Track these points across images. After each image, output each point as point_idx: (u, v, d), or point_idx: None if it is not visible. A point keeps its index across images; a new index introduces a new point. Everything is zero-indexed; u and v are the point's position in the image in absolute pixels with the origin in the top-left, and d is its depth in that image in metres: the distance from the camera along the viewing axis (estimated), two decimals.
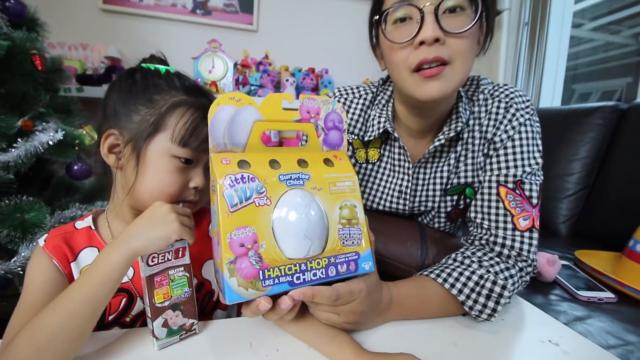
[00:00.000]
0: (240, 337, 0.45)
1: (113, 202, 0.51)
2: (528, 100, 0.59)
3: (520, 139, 0.57)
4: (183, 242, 0.42)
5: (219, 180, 0.35)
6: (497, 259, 0.53)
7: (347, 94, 0.69)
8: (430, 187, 0.65)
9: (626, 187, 1.13)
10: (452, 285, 0.50)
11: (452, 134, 0.59)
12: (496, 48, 1.93)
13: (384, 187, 0.68)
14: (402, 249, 0.62)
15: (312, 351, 0.43)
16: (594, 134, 1.29)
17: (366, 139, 0.66)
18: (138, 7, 1.87)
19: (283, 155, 0.40)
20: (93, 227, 0.49)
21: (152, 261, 0.40)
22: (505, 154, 0.58)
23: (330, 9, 2.14)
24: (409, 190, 0.65)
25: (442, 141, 0.59)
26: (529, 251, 0.54)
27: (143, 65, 0.50)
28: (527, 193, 0.56)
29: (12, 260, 0.76)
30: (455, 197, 0.65)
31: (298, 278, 0.36)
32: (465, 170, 0.62)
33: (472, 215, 0.59)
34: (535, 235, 0.55)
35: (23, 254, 0.76)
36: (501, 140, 0.58)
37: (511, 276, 0.52)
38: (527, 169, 0.56)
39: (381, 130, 0.63)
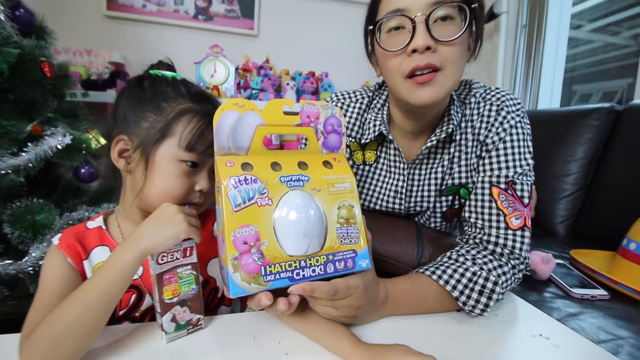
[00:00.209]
0: (244, 331, 0.47)
1: (122, 204, 0.53)
2: (519, 103, 0.62)
3: (512, 140, 0.59)
4: (190, 241, 0.45)
5: (223, 182, 0.37)
6: (491, 257, 0.55)
7: (345, 98, 0.71)
8: (425, 187, 0.67)
9: (622, 188, 1.15)
10: (447, 282, 0.52)
11: (443, 135, 0.61)
12: (494, 51, 1.95)
13: (381, 187, 0.70)
14: (399, 247, 0.64)
15: (312, 343, 0.45)
16: (591, 135, 1.31)
17: (363, 141, 0.68)
18: (141, 14, 1.90)
19: (284, 158, 0.42)
20: (104, 227, 0.51)
21: (162, 259, 0.42)
22: (497, 156, 0.60)
23: (329, 14, 2.17)
24: (404, 190, 0.67)
25: (434, 142, 0.62)
26: (521, 249, 0.56)
27: (151, 72, 0.53)
28: (518, 193, 0.58)
29: (23, 260, 0.79)
30: (450, 198, 0.67)
31: (298, 274, 0.38)
32: (459, 171, 0.65)
33: (467, 214, 0.61)
34: (527, 233, 0.57)
35: (34, 254, 0.79)
36: (493, 142, 0.60)
37: (504, 273, 0.54)
38: (519, 170, 0.58)
39: (377, 133, 0.65)
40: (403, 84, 0.55)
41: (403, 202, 0.68)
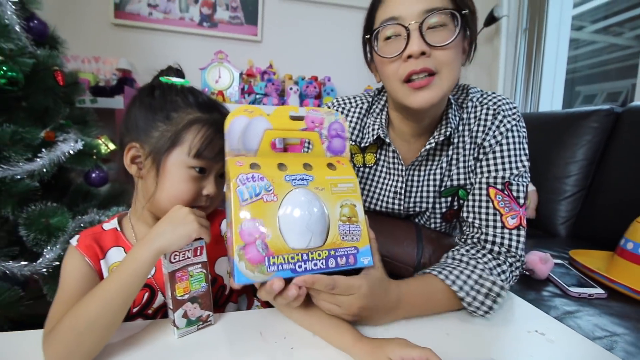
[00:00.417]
0: (252, 327, 0.50)
1: (135, 207, 0.56)
2: (514, 107, 0.64)
3: (508, 143, 0.62)
4: (201, 241, 0.47)
5: (232, 179, 0.40)
6: (490, 256, 0.58)
7: (345, 103, 0.74)
8: (424, 188, 0.69)
9: (622, 188, 1.16)
10: (453, 282, 0.53)
11: (442, 138, 0.63)
12: (495, 54, 1.97)
13: (381, 188, 0.72)
14: (399, 247, 0.66)
15: (316, 339, 0.48)
16: (590, 136, 1.32)
17: (363, 144, 0.71)
18: (148, 21, 1.95)
19: (290, 160, 0.45)
20: (119, 229, 0.54)
21: (174, 258, 0.45)
22: (494, 158, 0.62)
23: (330, 19, 2.20)
24: (403, 191, 0.70)
25: (433, 144, 0.64)
26: (517, 247, 0.58)
27: (161, 79, 0.55)
28: (514, 194, 0.60)
29: (38, 261, 0.82)
30: (449, 199, 0.69)
31: (300, 267, 0.41)
32: (458, 173, 0.67)
33: (465, 215, 0.63)
34: (523, 232, 0.59)
35: (48, 256, 0.82)
36: (490, 145, 0.63)
37: (503, 272, 0.56)
38: (515, 171, 0.61)
39: (375, 137, 0.68)
40: (400, 88, 0.58)
41: (402, 202, 0.70)
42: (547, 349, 0.48)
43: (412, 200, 0.70)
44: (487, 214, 0.60)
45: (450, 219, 0.72)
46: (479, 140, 0.64)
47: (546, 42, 1.84)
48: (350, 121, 0.72)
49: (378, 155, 0.72)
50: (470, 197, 0.63)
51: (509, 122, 0.62)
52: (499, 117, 0.63)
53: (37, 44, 0.98)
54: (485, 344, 0.49)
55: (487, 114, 0.64)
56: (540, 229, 1.37)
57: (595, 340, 0.60)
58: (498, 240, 0.58)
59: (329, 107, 0.75)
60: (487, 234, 0.59)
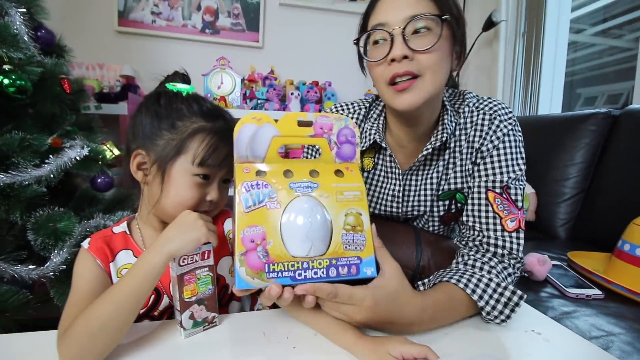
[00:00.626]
0: (255, 328, 0.51)
1: (141, 212, 0.58)
2: (510, 112, 0.65)
3: (505, 148, 0.63)
4: (208, 245, 0.49)
5: (238, 186, 0.42)
6: (495, 259, 0.59)
7: (343, 109, 0.76)
8: (422, 192, 0.71)
9: (621, 190, 1.16)
10: (473, 291, 0.53)
11: (438, 143, 0.65)
12: (494, 58, 1.99)
13: (379, 192, 0.74)
14: (398, 250, 0.67)
15: (318, 338, 0.49)
16: (589, 139, 1.33)
17: (360, 149, 0.72)
18: (151, 29, 1.98)
19: (297, 166, 0.45)
20: (128, 232, 0.56)
21: (183, 262, 0.47)
22: (492, 162, 0.63)
23: (330, 25, 2.23)
24: (401, 195, 0.71)
25: (430, 150, 0.65)
26: (517, 250, 0.60)
27: (167, 86, 0.56)
28: (513, 197, 0.61)
29: (45, 265, 0.83)
30: (446, 202, 0.70)
31: (300, 274, 0.41)
32: (455, 177, 0.68)
33: (465, 218, 0.65)
34: (522, 235, 0.61)
35: (55, 260, 0.84)
36: (487, 150, 0.64)
37: (509, 275, 0.58)
38: (512, 175, 0.62)
39: (371, 142, 0.70)
40: (386, 90, 0.60)
41: (400, 206, 0.72)
42: (544, 348, 0.49)
43: (410, 203, 0.72)
44: (487, 217, 0.62)
45: (448, 222, 0.74)
46: (476, 145, 0.66)
47: (544, 45, 1.86)
48: None
49: (376, 160, 0.73)
50: (469, 201, 0.65)
51: (505, 126, 0.64)
52: (496, 122, 0.64)
53: (45, 52, 1.01)
54: (481, 343, 0.50)
55: (483, 119, 0.65)
56: (540, 231, 1.38)
57: (591, 339, 0.61)
58: (500, 243, 0.60)
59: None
60: (488, 237, 0.61)
